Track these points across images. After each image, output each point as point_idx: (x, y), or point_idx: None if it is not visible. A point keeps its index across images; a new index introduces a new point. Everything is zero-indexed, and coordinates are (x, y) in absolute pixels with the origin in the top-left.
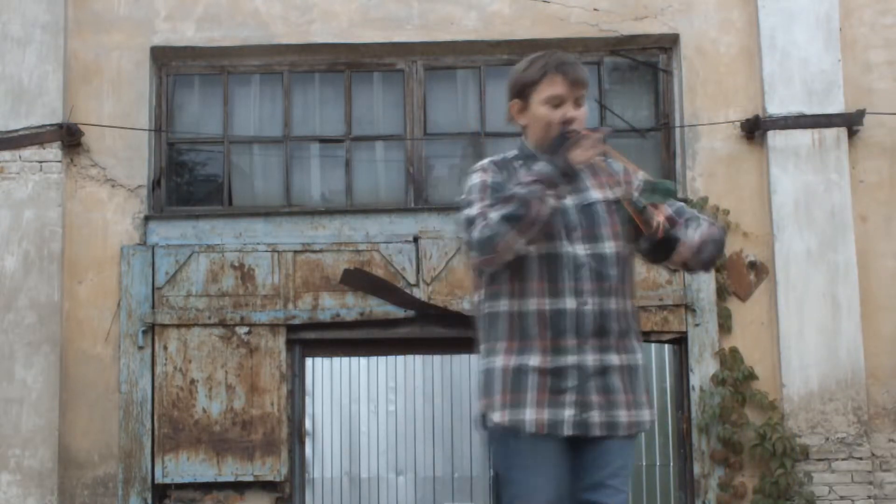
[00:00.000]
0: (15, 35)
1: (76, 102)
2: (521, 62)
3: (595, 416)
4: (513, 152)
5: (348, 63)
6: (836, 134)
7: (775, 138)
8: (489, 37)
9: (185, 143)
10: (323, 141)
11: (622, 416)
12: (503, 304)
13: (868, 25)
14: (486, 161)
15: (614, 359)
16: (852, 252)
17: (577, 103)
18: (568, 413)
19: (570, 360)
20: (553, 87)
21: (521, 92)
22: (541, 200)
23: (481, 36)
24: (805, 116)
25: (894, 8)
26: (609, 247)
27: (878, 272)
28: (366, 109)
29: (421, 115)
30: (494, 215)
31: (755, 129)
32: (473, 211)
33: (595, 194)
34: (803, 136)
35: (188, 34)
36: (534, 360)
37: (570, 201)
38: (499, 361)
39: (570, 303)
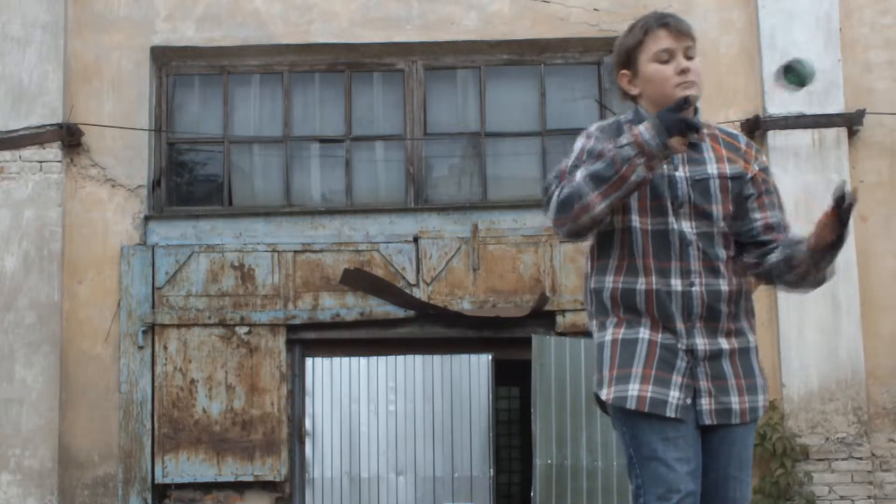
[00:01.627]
0: (15, 35)
1: (76, 102)
2: (622, 33)
3: (704, 404)
4: (628, 115)
5: (348, 63)
6: (836, 134)
7: (775, 138)
8: (489, 37)
9: (185, 143)
10: (323, 141)
11: (734, 402)
12: (609, 280)
13: (868, 25)
14: (594, 125)
15: (724, 343)
16: (852, 252)
17: (687, 54)
18: (673, 394)
19: (680, 343)
20: (658, 41)
21: (628, 59)
22: (629, 164)
23: (481, 36)
24: (805, 116)
25: (894, 8)
26: (720, 226)
27: (878, 272)
28: (366, 109)
29: (421, 115)
30: (579, 174)
31: (755, 129)
32: (558, 171)
33: (712, 168)
34: (803, 136)
35: (188, 34)
36: (644, 333)
37: (681, 173)
38: (608, 335)
39: (676, 283)
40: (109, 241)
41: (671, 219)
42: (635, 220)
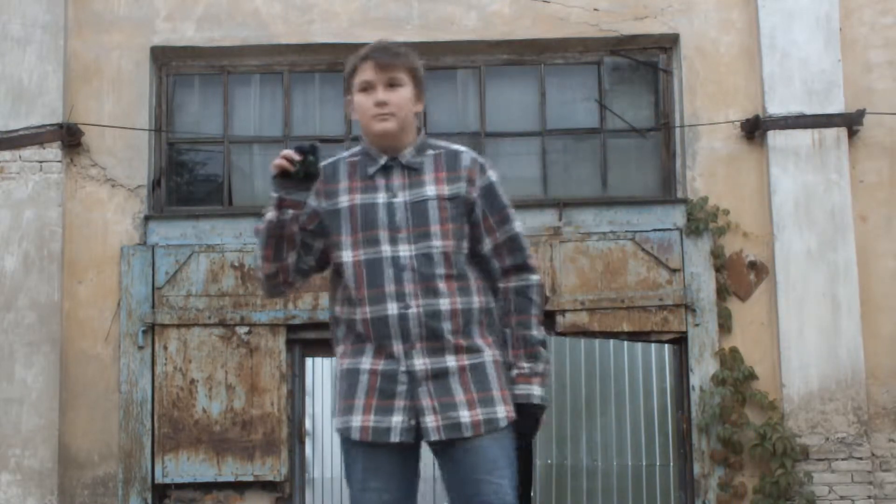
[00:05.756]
0: (15, 35)
1: (76, 102)
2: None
3: (430, 422)
4: (353, 150)
5: None
6: (836, 134)
7: (775, 138)
8: (489, 37)
9: (185, 143)
10: (323, 141)
11: (465, 416)
12: (337, 310)
13: (868, 25)
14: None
15: (452, 360)
16: (852, 252)
17: (390, 85)
18: (396, 419)
19: (401, 365)
20: (363, 73)
21: (348, 87)
22: (266, 219)
23: (481, 36)
24: (805, 116)
25: (894, 8)
26: (437, 245)
27: (878, 272)
28: None
29: (421, 115)
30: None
31: (755, 129)
32: None
33: (430, 190)
34: (803, 136)
35: (188, 34)
36: (365, 363)
37: (400, 198)
38: (339, 366)
39: (391, 308)
40: (109, 241)
41: (384, 247)
42: (347, 255)
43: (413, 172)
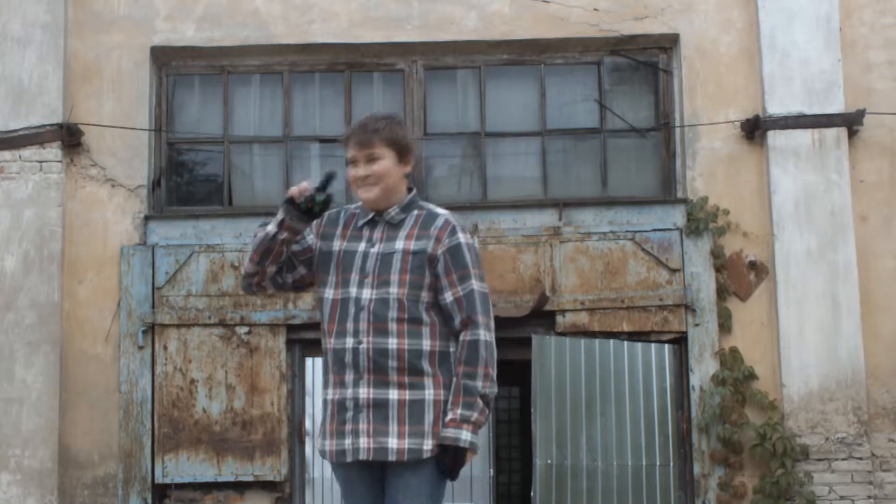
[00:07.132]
0: (15, 35)
1: (76, 102)
2: None
3: (363, 442)
4: (358, 205)
5: (348, 63)
6: (836, 134)
7: (775, 138)
8: (489, 37)
9: (185, 143)
10: (323, 141)
11: (393, 443)
12: (323, 343)
13: (868, 25)
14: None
15: (394, 394)
16: (852, 252)
17: (370, 159)
18: (348, 441)
19: (349, 392)
20: (348, 150)
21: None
22: (265, 229)
23: (481, 36)
24: (805, 116)
25: (894, 8)
26: (394, 292)
27: (878, 272)
28: (366, 109)
29: (421, 115)
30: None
31: (755, 129)
32: None
33: (400, 244)
34: (803, 136)
35: (188, 34)
36: (329, 394)
37: (376, 249)
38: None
39: (348, 342)
40: (109, 241)
41: (352, 288)
42: (328, 293)
43: (392, 228)
